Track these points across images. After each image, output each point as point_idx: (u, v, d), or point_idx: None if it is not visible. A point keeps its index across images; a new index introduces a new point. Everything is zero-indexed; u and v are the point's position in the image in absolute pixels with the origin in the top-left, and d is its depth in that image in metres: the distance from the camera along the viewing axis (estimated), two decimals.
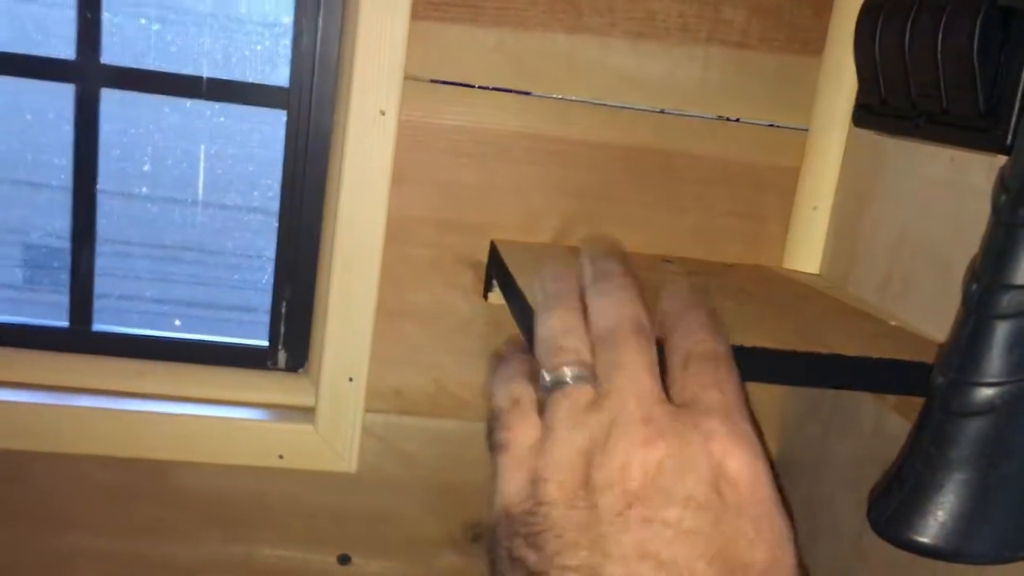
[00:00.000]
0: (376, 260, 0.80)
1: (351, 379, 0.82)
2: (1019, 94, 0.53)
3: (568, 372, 0.35)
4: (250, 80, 0.87)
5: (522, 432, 0.35)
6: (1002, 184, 0.42)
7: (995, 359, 0.40)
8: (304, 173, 0.85)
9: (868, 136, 0.73)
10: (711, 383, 0.35)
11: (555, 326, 0.37)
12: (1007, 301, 0.39)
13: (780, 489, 0.33)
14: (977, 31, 0.54)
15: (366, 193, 0.78)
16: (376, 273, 0.80)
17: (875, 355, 0.57)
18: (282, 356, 0.90)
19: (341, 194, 0.78)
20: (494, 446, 0.36)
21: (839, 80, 0.78)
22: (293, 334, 0.89)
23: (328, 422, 0.83)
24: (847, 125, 0.77)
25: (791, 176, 0.82)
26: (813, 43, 0.80)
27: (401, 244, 0.80)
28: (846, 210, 0.78)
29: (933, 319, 0.64)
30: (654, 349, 0.36)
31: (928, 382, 0.43)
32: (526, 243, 0.81)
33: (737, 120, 0.81)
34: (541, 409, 0.36)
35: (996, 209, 0.42)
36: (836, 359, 0.57)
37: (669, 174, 0.81)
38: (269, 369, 0.89)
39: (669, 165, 0.81)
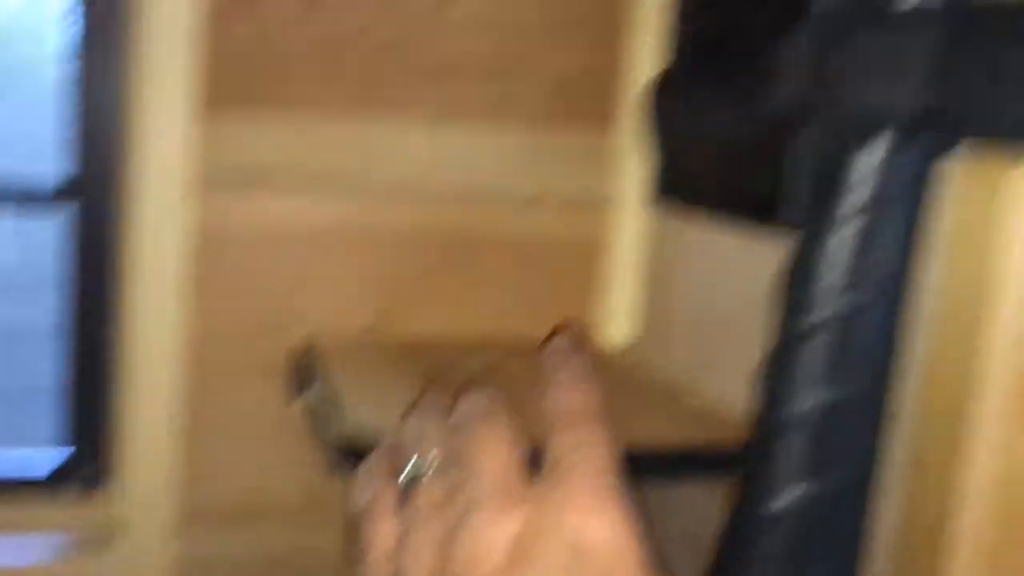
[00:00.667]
0: (176, 369, 0.75)
1: (157, 498, 0.76)
2: (805, 175, 0.55)
3: (423, 465, 0.35)
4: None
5: (379, 537, 0.35)
6: (783, 285, 0.43)
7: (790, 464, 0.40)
8: (91, 280, 0.79)
9: (669, 211, 0.74)
10: (573, 445, 0.34)
11: (410, 425, 0.36)
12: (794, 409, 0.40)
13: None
14: (762, 111, 0.56)
15: (161, 301, 0.74)
16: (178, 382, 0.75)
17: (681, 445, 0.58)
18: (77, 478, 0.82)
19: (135, 303, 0.74)
20: (352, 558, 0.35)
21: (636, 153, 0.79)
22: (87, 453, 0.82)
23: (132, 547, 0.77)
24: (647, 192, 0.79)
25: (597, 250, 0.83)
26: (609, 118, 0.81)
27: (205, 350, 0.76)
28: (653, 284, 0.79)
29: (740, 392, 0.66)
30: (511, 425, 0.34)
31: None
32: (340, 338, 0.78)
33: (540, 197, 0.81)
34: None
35: (776, 315, 0.43)
36: (644, 455, 0.57)
37: (477, 255, 0.81)
38: (63, 491, 0.82)
39: (477, 246, 0.81)
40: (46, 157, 0.83)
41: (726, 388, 0.67)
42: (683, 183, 0.68)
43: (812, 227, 0.41)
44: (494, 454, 0.34)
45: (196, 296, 0.74)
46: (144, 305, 0.74)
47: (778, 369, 0.43)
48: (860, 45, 0.38)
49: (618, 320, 0.83)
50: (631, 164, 0.80)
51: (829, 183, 0.41)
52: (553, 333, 0.39)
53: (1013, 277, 0.42)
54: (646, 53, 0.77)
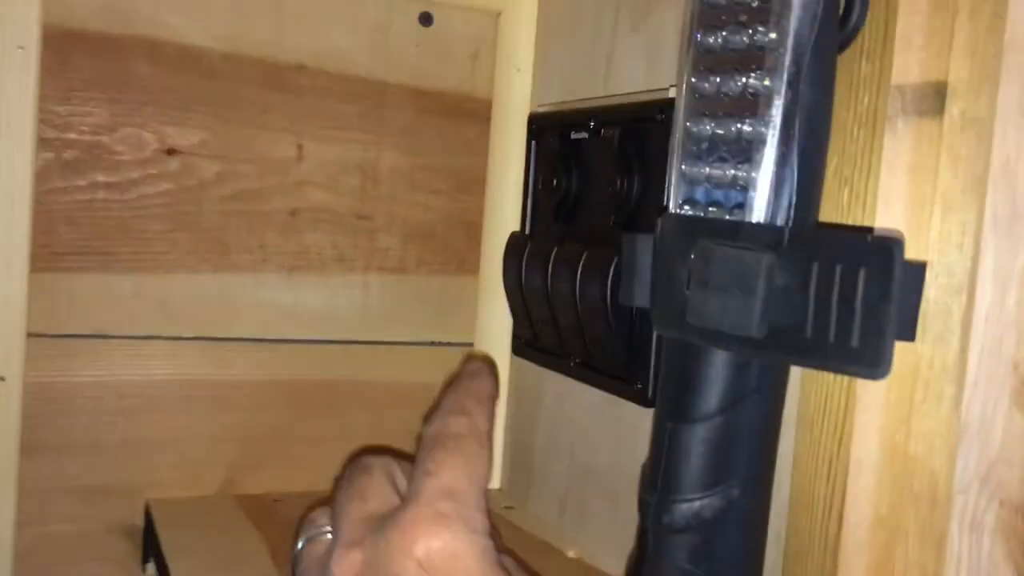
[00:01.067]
0: (7, 547, 0.68)
1: None
2: (654, 351, 0.55)
3: (304, 536, 0.43)
4: None
5: None
6: (643, 482, 0.43)
7: None
8: None
9: (530, 359, 0.74)
10: (426, 468, 0.39)
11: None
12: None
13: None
14: (609, 289, 0.57)
15: None
16: (8, 563, 0.68)
17: None
18: None
19: None
20: None
21: (498, 296, 0.79)
22: None
23: None
24: (510, 340, 0.79)
25: None
26: (469, 263, 0.81)
27: (38, 522, 0.70)
28: (518, 428, 0.79)
29: (608, 548, 0.65)
30: (373, 474, 0.42)
31: None
32: (189, 499, 0.74)
33: (402, 343, 0.80)
34: None
35: (641, 509, 0.42)
36: None
37: (337, 405, 0.78)
38: None
39: (337, 395, 0.78)
40: None
41: (597, 544, 0.67)
42: (539, 337, 0.68)
43: (670, 423, 0.41)
44: (345, 507, 0.40)
45: (31, 458, 0.69)
46: None
47: (649, 564, 0.42)
48: (703, 257, 0.39)
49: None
50: (493, 311, 0.79)
51: (681, 382, 0.41)
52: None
53: (867, 459, 0.43)
54: (508, 204, 0.77)
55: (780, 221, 0.38)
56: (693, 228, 0.39)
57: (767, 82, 0.38)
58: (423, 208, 0.79)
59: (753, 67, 0.39)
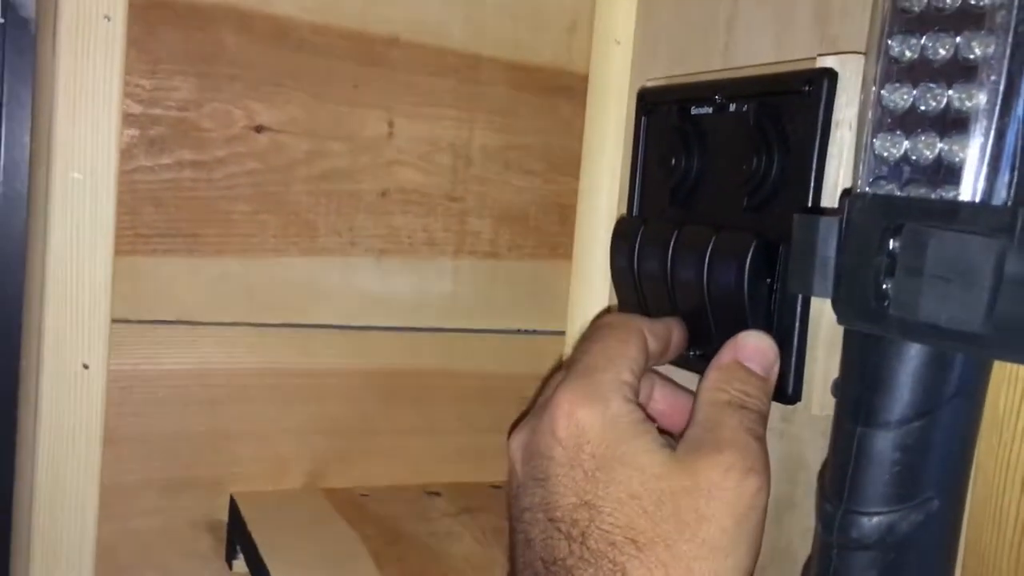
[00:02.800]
0: (89, 542, 0.65)
1: None
2: (796, 338, 0.51)
3: None
4: None
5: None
6: (823, 490, 0.39)
7: None
8: None
9: None
10: (572, 357, 0.46)
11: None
12: None
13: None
14: (746, 276, 0.52)
15: (70, 462, 0.65)
16: (90, 559, 0.65)
17: None
18: None
19: (38, 466, 0.64)
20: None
21: (592, 283, 0.75)
22: None
23: None
24: None
25: None
26: (562, 248, 0.77)
27: (120, 517, 0.67)
28: None
29: None
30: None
31: None
32: (274, 492, 0.70)
33: (493, 331, 0.76)
34: None
35: (822, 520, 0.38)
36: None
37: (426, 396, 0.75)
38: None
39: (425, 386, 0.75)
40: None
41: None
42: None
43: (859, 427, 0.37)
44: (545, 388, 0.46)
45: (114, 449, 0.66)
46: (56, 457, 0.65)
47: None
48: (912, 243, 0.34)
49: None
50: (587, 292, 0.75)
51: (872, 382, 0.37)
52: None
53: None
54: (603, 187, 0.73)
55: (998, 201, 0.34)
56: (895, 210, 0.35)
57: (988, 44, 0.33)
58: (516, 190, 0.75)
59: (970, 26, 0.34)
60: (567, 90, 0.76)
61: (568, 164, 0.76)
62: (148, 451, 0.67)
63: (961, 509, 0.37)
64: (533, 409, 0.46)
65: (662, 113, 0.65)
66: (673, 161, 0.61)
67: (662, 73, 0.69)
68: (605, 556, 0.39)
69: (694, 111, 0.61)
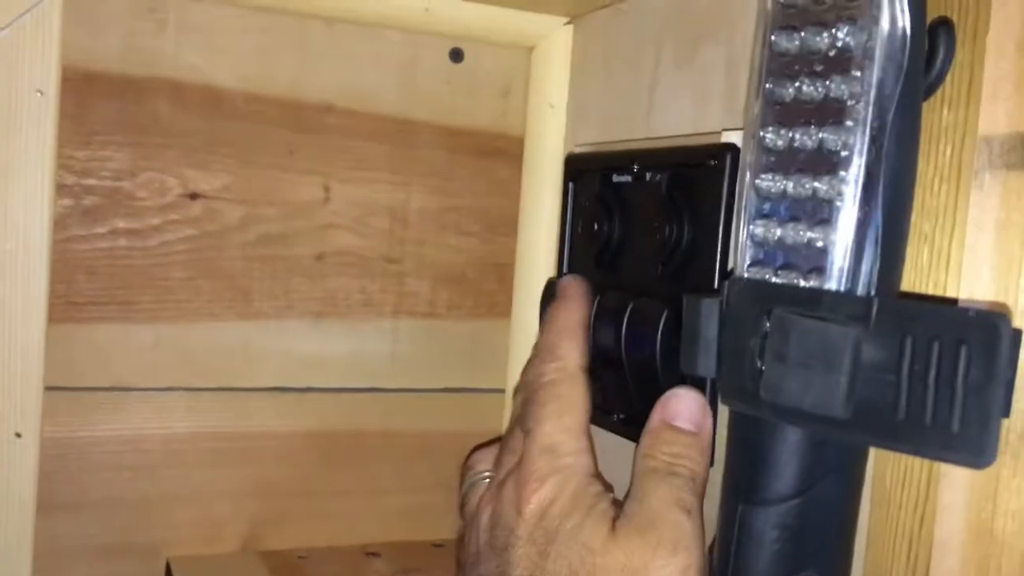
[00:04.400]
0: None
1: None
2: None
3: (467, 482, 0.57)
4: None
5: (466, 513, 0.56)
6: (711, 568, 0.39)
7: None
8: None
9: None
10: (526, 428, 0.49)
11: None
12: None
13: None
14: (658, 345, 0.54)
15: (3, 530, 0.65)
16: None
17: None
18: None
19: None
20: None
21: (530, 341, 0.76)
22: None
23: None
24: None
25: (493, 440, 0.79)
26: (499, 307, 0.78)
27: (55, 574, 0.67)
28: None
29: None
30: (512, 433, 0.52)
31: None
32: (211, 556, 0.71)
33: (432, 390, 0.77)
34: None
35: None
36: None
37: (365, 455, 0.75)
38: None
39: (364, 446, 0.75)
40: None
41: None
42: None
43: (741, 504, 0.38)
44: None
45: (48, 517, 0.66)
46: None
47: None
48: (780, 328, 0.35)
49: None
50: (525, 356, 0.76)
51: (752, 461, 0.38)
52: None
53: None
54: (540, 246, 0.74)
55: (861, 288, 0.35)
56: (766, 295, 0.36)
57: (847, 138, 0.35)
58: (453, 251, 0.77)
59: (831, 121, 0.36)
60: (503, 152, 0.77)
61: (505, 224, 0.77)
62: (82, 517, 0.67)
63: None
64: (496, 476, 0.50)
65: (587, 179, 0.66)
66: (596, 226, 0.62)
67: (593, 138, 0.71)
68: None
69: (615, 179, 0.62)
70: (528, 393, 0.50)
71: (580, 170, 0.67)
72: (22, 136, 0.63)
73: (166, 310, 0.69)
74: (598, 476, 0.49)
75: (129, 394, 0.68)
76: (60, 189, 0.65)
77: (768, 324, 0.36)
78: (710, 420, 0.48)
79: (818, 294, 0.35)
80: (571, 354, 0.51)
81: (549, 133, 0.76)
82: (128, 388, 0.68)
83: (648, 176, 0.59)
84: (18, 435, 0.65)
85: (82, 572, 0.68)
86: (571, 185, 0.69)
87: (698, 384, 0.48)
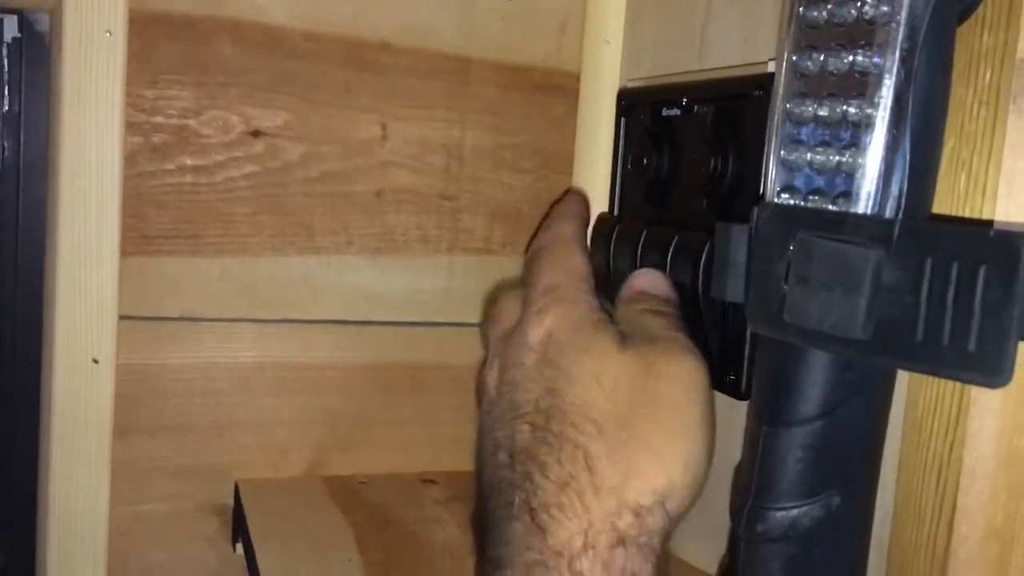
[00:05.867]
0: (102, 523, 0.70)
1: None
2: (747, 342, 0.53)
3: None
4: None
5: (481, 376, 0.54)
6: (736, 487, 0.40)
7: None
8: (10, 424, 0.74)
9: None
10: (528, 281, 0.50)
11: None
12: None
13: None
14: (700, 276, 0.54)
15: (82, 451, 0.69)
16: (103, 540, 0.70)
17: None
18: None
19: (53, 453, 0.69)
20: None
21: None
22: None
23: None
24: None
25: None
26: None
27: (131, 502, 0.71)
28: None
29: (699, 545, 0.63)
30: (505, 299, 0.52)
31: None
32: (276, 480, 0.74)
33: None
34: None
35: (733, 515, 0.40)
36: None
37: (422, 388, 0.78)
38: None
39: (421, 378, 0.77)
40: None
41: (687, 541, 0.64)
42: None
43: (765, 426, 0.38)
44: (490, 332, 0.51)
45: (124, 439, 0.70)
46: (69, 446, 0.69)
47: (742, 574, 0.40)
48: (803, 251, 0.36)
49: None
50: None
51: (777, 384, 0.38)
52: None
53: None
54: (595, 184, 0.75)
55: (889, 212, 0.35)
56: (793, 219, 0.37)
57: (877, 59, 0.35)
58: (508, 188, 0.78)
59: (862, 43, 0.35)
60: (558, 89, 0.77)
61: (560, 162, 0.78)
62: (156, 441, 0.71)
63: (866, 506, 0.39)
64: (492, 345, 0.50)
65: (638, 114, 0.67)
66: (645, 161, 0.63)
67: (647, 73, 0.71)
68: (567, 438, 0.41)
69: (665, 112, 0.63)
70: (529, 260, 0.51)
71: (631, 105, 0.68)
72: (93, 75, 0.66)
73: (231, 244, 0.72)
74: (605, 311, 0.49)
75: (198, 324, 0.71)
76: (130, 127, 0.68)
77: (792, 248, 0.36)
78: (675, 292, 0.51)
79: (842, 217, 0.35)
80: (566, 226, 0.53)
81: (605, 69, 0.76)
82: (197, 318, 0.71)
83: (695, 109, 0.59)
84: (95, 361, 0.69)
85: (157, 492, 0.72)
86: (623, 120, 0.69)
87: (734, 310, 0.49)
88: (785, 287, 0.37)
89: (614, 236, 0.65)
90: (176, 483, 0.72)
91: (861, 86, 0.35)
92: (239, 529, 0.71)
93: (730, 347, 0.54)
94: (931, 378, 0.40)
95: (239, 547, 0.72)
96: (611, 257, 0.65)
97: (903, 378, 0.41)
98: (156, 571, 0.73)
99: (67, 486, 0.69)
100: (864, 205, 0.35)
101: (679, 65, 0.65)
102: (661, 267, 0.57)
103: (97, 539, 0.70)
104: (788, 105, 0.38)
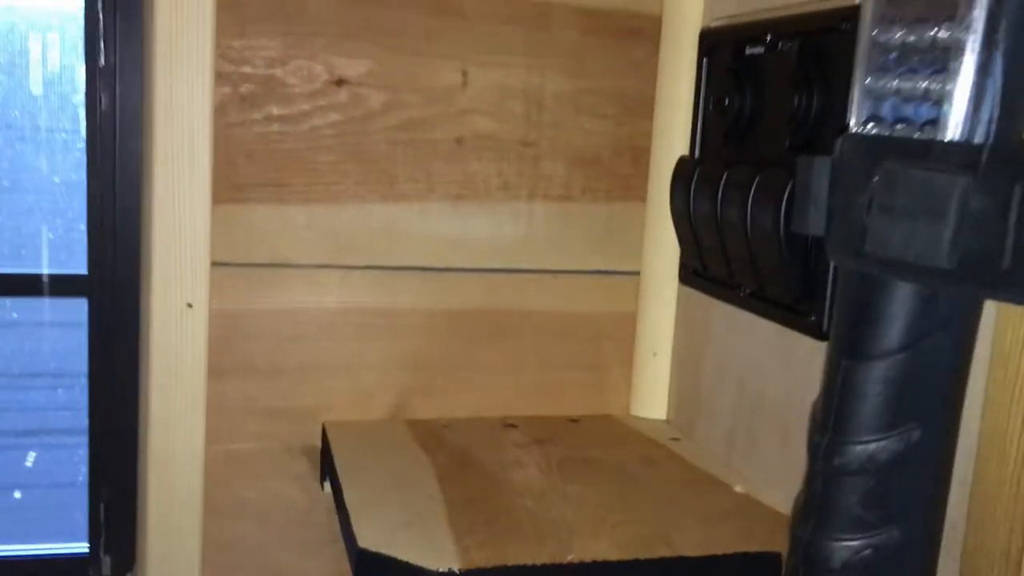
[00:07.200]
0: (198, 461, 0.73)
1: None
2: (830, 280, 0.52)
3: None
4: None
5: None
6: (814, 422, 0.40)
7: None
8: (110, 367, 0.78)
9: (698, 288, 0.72)
10: None
11: None
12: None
13: None
14: (783, 215, 0.53)
15: (179, 391, 0.72)
16: (199, 474, 0.73)
17: (719, 550, 0.55)
18: (106, 563, 0.81)
19: (151, 394, 0.72)
20: None
21: (665, 225, 0.76)
22: (116, 538, 0.81)
23: None
24: (677, 268, 0.76)
25: (628, 322, 0.80)
26: (635, 190, 0.78)
27: (224, 440, 0.74)
28: (686, 358, 0.76)
29: (777, 484, 0.62)
30: None
31: None
32: (361, 422, 0.76)
33: (568, 271, 0.79)
34: None
35: (811, 450, 0.40)
36: (681, 562, 0.54)
37: (503, 333, 0.78)
38: None
39: (502, 324, 0.78)
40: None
41: (765, 479, 0.64)
42: (708, 266, 0.65)
43: (845, 360, 0.38)
44: None
45: (217, 380, 0.73)
46: (166, 386, 0.73)
47: (815, 509, 0.39)
48: (888, 180, 0.35)
49: (650, 396, 0.80)
50: (661, 233, 0.77)
51: (858, 317, 0.38)
52: None
53: None
54: (677, 128, 0.74)
55: (979, 138, 0.34)
56: (877, 149, 0.36)
57: None
58: (588, 134, 0.77)
59: None
60: (639, 32, 0.77)
61: (640, 106, 0.77)
62: (249, 382, 0.74)
63: (947, 440, 0.38)
64: None
65: (720, 54, 0.65)
66: (727, 101, 0.62)
67: (732, 11, 0.69)
68: None
69: (748, 51, 0.61)
70: None
71: (714, 45, 0.66)
72: (183, 26, 0.68)
73: (316, 192, 0.73)
74: None
75: (286, 270, 0.74)
76: (219, 77, 0.70)
77: (876, 177, 0.35)
78: None
79: (928, 145, 0.34)
80: None
81: (687, 9, 0.74)
82: (285, 264, 0.74)
83: (780, 45, 0.58)
84: (189, 305, 0.71)
85: (250, 431, 0.75)
86: (705, 61, 0.68)
87: (817, 250, 0.48)
88: (867, 218, 0.36)
89: (695, 179, 0.64)
90: (266, 423, 0.75)
91: (951, 8, 0.34)
92: (326, 469, 0.73)
93: (812, 287, 0.53)
94: (1020, 310, 0.39)
95: (327, 486, 0.74)
96: (691, 200, 0.64)
97: (990, 311, 0.40)
98: (248, 507, 0.76)
99: (165, 426, 0.72)
100: (952, 132, 0.34)
101: (763, 2, 0.64)
102: (742, 207, 0.57)
103: (193, 476, 0.73)
104: (874, 31, 0.37)
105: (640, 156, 0.78)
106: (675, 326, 0.78)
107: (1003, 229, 0.31)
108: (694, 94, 0.69)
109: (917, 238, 0.33)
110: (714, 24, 0.69)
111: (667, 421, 0.79)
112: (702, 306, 0.72)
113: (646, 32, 0.76)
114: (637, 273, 0.80)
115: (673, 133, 0.75)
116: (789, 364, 0.60)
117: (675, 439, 0.75)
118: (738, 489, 0.66)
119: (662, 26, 0.76)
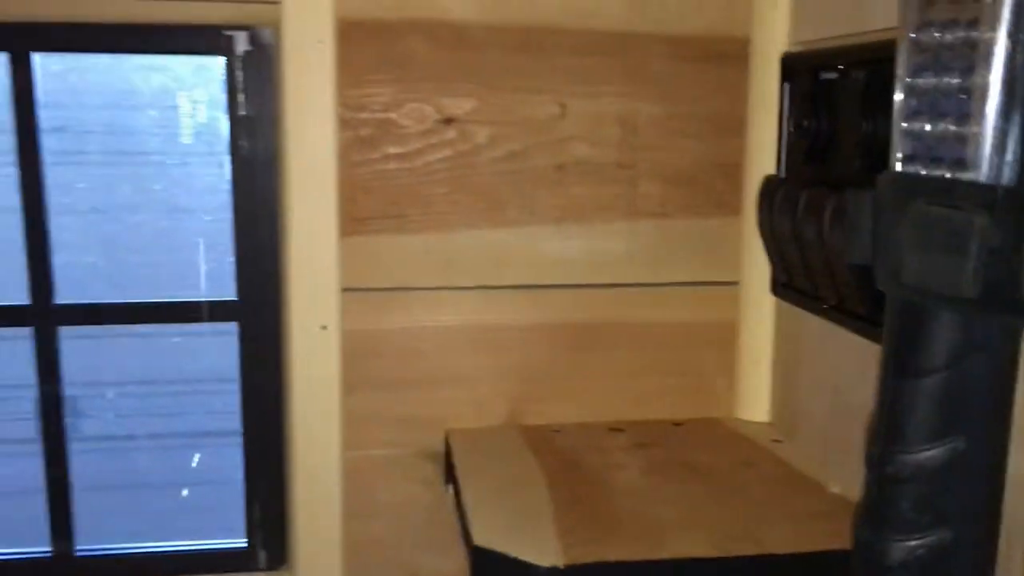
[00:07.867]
0: (336, 466, 0.82)
1: None
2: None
3: None
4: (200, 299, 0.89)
5: None
6: (869, 435, 0.44)
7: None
8: (259, 380, 0.87)
9: (790, 300, 0.75)
10: None
11: None
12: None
13: None
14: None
15: (317, 404, 0.81)
16: (338, 478, 0.82)
17: (807, 548, 0.59)
18: (262, 557, 0.91)
19: (293, 407, 0.81)
20: None
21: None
22: (270, 535, 0.90)
23: None
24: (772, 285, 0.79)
25: (729, 330, 0.84)
26: (730, 205, 0.82)
27: (360, 447, 0.82)
28: (785, 364, 0.80)
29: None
30: None
31: None
32: (480, 429, 0.83)
33: (667, 284, 0.84)
34: None
35: (867, 461, 0.44)
36: (768, 560, 0.58)
37: (608, 344, 0.84)
38: (250, 571, 0.91)
39: (605, 335, 0.84)
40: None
41: (859, 481, 0.67)
42: (793, 279, 0.69)
43: (893, 378, 0.42)
44: None
45: (351, 394, 0.81)
46: (306, 399, 0.81)
47: (872, 513, 0.43)
48: (917, 217, 0.39)
49: (751, 402, 0.84)
50: (758, 250, 0.80)
51: (904, 338, 0.41)
52: None
53: None
54: (766, 146, 0.77)
55: (1005, 178, 0.37)
56: (909, 187, 0.40)
57: (989, 34, 0.37)
58: (682, 153, 0.82)
59: (974, 19, 0.38)
60: (727, 56, 0.80)
61: (730, 125, 0.81)
62: (378, 395, 0.82)
63: (994, 449, 0.41)
64: None
65: (800, 78, 0.69)
66: (806, 123, 0.65)
67: (812, 36, 0.72)
68: None
69: (823, 76, 0.65)
70: None
71: (794, 69, 0.70)
72: (310, 79, 0.76)
73: (431, 221, 0.80)
74: None
75: (407, 293, 0.81)
76: (341, 123, 0.78)
77: (907, 214, 0.39)
78: None
79: (952, 184, 0.38)
80: None
81: (773, 33, 0.78)
82: (405, 288, 0.81)
83: (851, 73, 0.61)
84: (324, 327, 0.80)
85: (380, 439, 0.83)
86: (786, 85, 0.71)
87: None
88: (903, 250, 0.40)
89: (777, 197, 0.68)
90: (395, 432, 0.83)
91: (975, 58, 0.38)
92: (450, 472, 0.80)
93: (883, 303, 0.56)
94: None
95: (451, 488, 0.81)
96: (773, 218, 0.68)
97: None
98: (383, 508, 0.84)
99: (306, 434, 0.81)
100: (978, 172, 0.38)
101: (841, 28, 0.67)
102: (818, 228, 0.60)
103: (332, 481, 0.82)
104: (908, 78, 0.41)
105: (732, 172, 0.82)
106: (775, 334, 0.81)
107: (1019, 261, 0.35)
108: (778, 115, 0.73)
109: (943, 271, 0.37)
110: (794, 48, 0.72)
111: (769, 424, 0.83)
112: (796, 315, 0.75)
113: (733, 55, 0.80)
114: (736, 283, 0.83)
115: (763, 151, 0.79)
116: (875, 372, 0.63)
117: (777, 441, 0.79)
118: (834, 490, 0.69)
119: (750, 49, 0.80)
